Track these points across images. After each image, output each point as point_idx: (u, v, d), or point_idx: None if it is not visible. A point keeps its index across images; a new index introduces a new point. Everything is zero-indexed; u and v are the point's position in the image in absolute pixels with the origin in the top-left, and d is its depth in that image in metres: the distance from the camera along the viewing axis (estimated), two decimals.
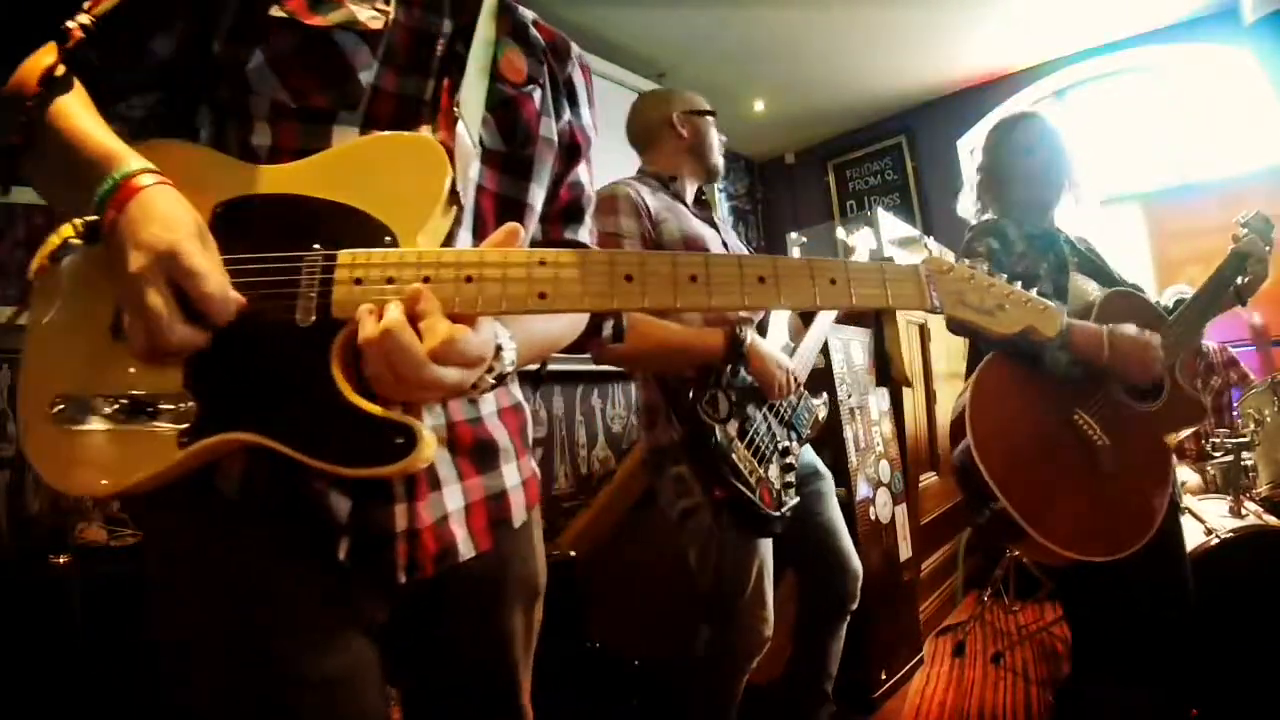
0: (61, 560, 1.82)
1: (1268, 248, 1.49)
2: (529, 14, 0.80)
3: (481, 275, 0.55)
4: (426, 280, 0.55)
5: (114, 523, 2.06)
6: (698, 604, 1.49)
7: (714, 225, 1.66)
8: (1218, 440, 2.35)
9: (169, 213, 0.55)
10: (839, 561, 1.71)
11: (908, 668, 2.32)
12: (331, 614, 0.63)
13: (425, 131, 0.66)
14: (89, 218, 0.56)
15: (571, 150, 0.82)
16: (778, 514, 1.45)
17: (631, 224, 1.49)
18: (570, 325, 0.81)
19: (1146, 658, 1.44)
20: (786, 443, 1.55)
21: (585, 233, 0.86)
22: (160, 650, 0.65)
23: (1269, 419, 2.23)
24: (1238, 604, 1.70)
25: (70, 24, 0.65)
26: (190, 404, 0.56)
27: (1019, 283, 0.69)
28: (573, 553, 2.03)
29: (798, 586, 1.77)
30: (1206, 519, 1.87)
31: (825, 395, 1.73)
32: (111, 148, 0.58)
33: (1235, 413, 2.71)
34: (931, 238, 3.56)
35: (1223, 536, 1.77)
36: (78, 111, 0.61)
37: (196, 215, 0.56)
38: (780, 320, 1.67)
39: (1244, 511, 1.90)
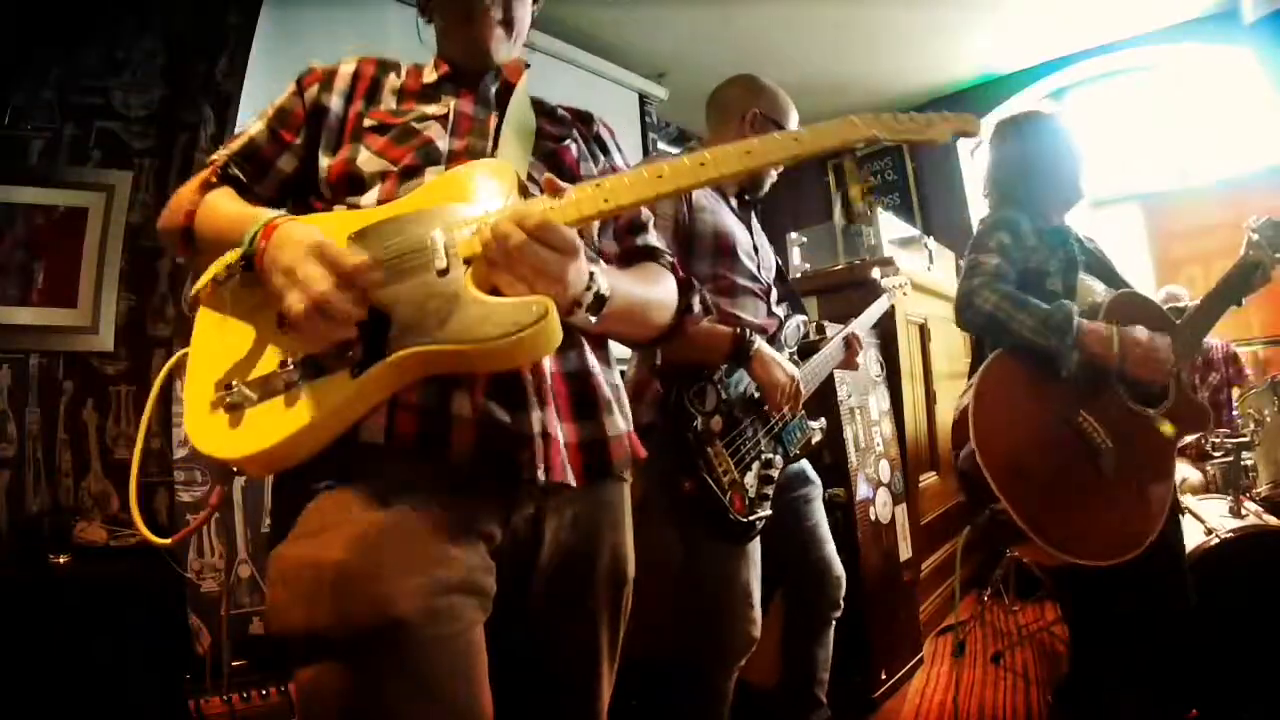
0: (61, 560, 1.82)
1: (1277, 254, 1.47)
2: (554, 104, 1.01)
3: (559, 204, 0.70)
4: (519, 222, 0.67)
5: (114, 523, 2.07)
6: (685, 602, 1.48)
7: (749, 227, 1.64)
8: (1218, 440, 2.35)
9: (306, 230, 0.70)
10: (822, 569, 1.69)
11: (908, 668, 2.32)
12: (448, 573, 0.68)
13: None
14: (245, 249, 0.71)
15: None
16: (746, 521, 1.40)
17: (667, 206, 1.46)
18: (662, 294, 0.92)
19: (1145, 658, 1.44)
20: (771, 455, 1.50)
21: (652, 238, 1.00)
22: (279, 601, 0.68)
23: (1269, 419, 2.23)
24: (1238, 604, 1.71)
25: (215, 156, 0.89)
26: (357, 347, 0.66)
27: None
28: None
29: (783, 594, 1.75)
30: (1206, 519, 1.88)
31: (823, 420, 1.67)
32: (253, 210, 0.78)
33: (1234, 411, 2.71)
34: (931, 238, 3.56)
35: (1223, 536, 1.77)
36: (224, 198, 0.84)
37: (322, 232, 0.70)
38: (791, 334, 1.65)
39: (1244, 511, 1.90)
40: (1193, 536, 1.81)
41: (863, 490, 2.21)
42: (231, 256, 0.72)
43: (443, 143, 0.85)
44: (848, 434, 2.18)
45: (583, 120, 1.02)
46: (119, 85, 2.32)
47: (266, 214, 0.74)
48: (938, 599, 2.89)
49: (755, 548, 1.50)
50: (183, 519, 2.19)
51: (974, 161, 4.56)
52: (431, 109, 0.88)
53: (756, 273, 1.60)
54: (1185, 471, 2.46)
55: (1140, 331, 1.40)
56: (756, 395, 1.50)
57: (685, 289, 0.96)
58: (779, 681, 1.75)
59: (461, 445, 0.72)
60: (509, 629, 0.75)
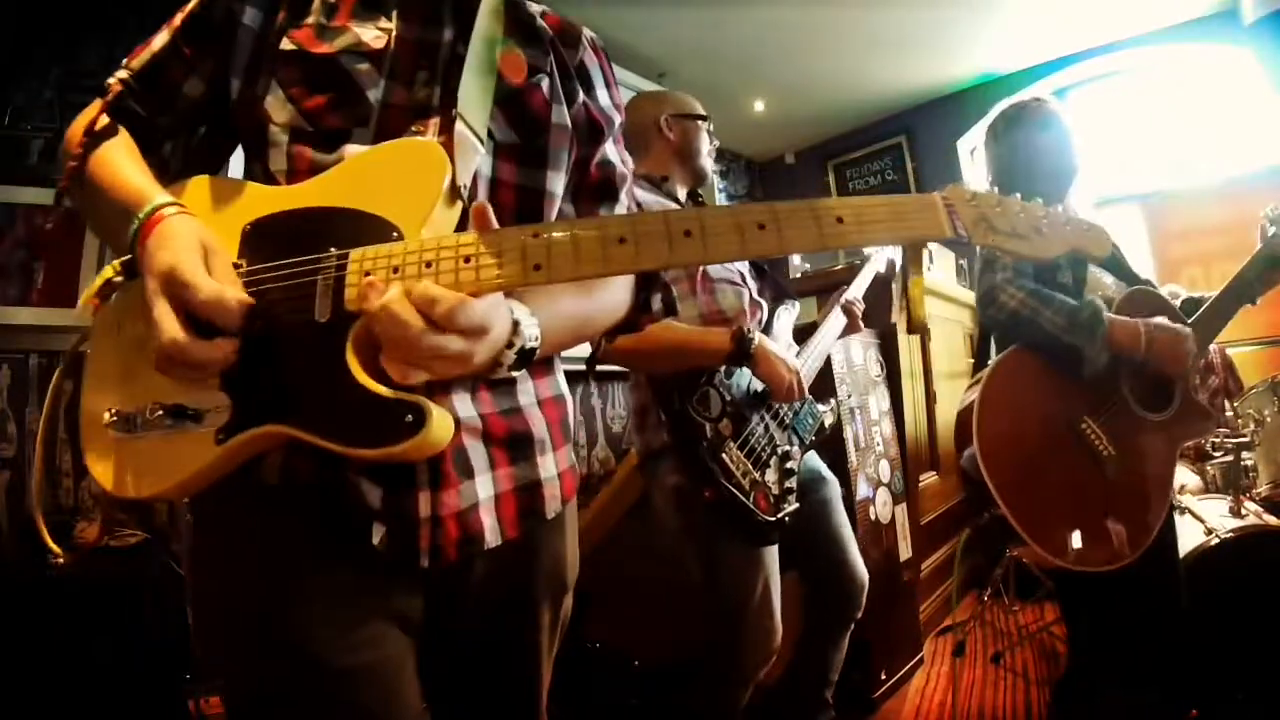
0: (61, 560, 1.82)
1: None
2: (536, 7, 0.82)
3: (478, 254, 0.57)
4: (429, 265, 0.57)
5: (114, 523, 2.06)
6: (700, 610, 1.47)
7: None
8: (1218, 440, 2.35)
9: (175, 235, 0.59)
10: (846, 573, 1.68)
11: (908, 668, 2.32)
12: (363, 603, 0.66)
13: (430, 135, 0.69)
14: (125, 257, 0.63)
15: (592, 132, 0.82)
16: (774, 519, 1.40)
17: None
18: (611, 304, 0.80)
19: (1141, 658, 1.44)
20: (787, 447, 1.50)
21: (620, 210, 0.85)
22: (195, 628, 0.69)
23: (1269, 419, 2.23)
24: (1238, 604, 1.70)
25: (111, 80, 0.73)
26: (225, 405, 0.61)
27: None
28: None
29: (803, 595, 1.75)
30: (1206, 519, 1.87)
31: (834, 401, 1.68)
32: (141, 188, 0.64)
33: (1230, 415, 2.71)
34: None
35: (1223, 536, 1.77)
36: (116, 157, 0.68)
37: (204, 235, 0.61)
38: (785, 323, 1.66)
39: (1244, 511, 1.90)
40: (1193, 536, 1.81)
41: (863, 490, 2.21)
42: (109, 271, 0.64)
43: (374, 92, 0.68)
44: (848, 434, 2.18)
45: (566, 41, 0.82)
46: None
47: (152, 199, 0.62)
48: (938, 599, 2.89)
49: (773, 556, 1.49)
50: (182, 519, 2.19)
51: (974, 161, 4.56)
52: (367, 32, 0.69)
53: (727, 265, 1.59)
54: (1185, 472, 2.46)
55: (1165, 322, 1.39)
56: (760, 390, 1.49)
57: (646, 283, 0.84)
58: (783, 679, 1.75)
59: (362, 506, 0.64)
60: (444, 638, 0.73)
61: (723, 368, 1.45)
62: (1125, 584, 1.35)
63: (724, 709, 1.49)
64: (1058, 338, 1.38)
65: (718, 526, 1.38)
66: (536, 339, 0.64)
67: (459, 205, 0.65)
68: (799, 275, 3.05)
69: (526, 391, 0.76)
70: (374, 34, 0.69)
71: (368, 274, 0.58)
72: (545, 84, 0.77)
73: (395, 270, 0.58)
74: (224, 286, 0.58)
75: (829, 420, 1.65)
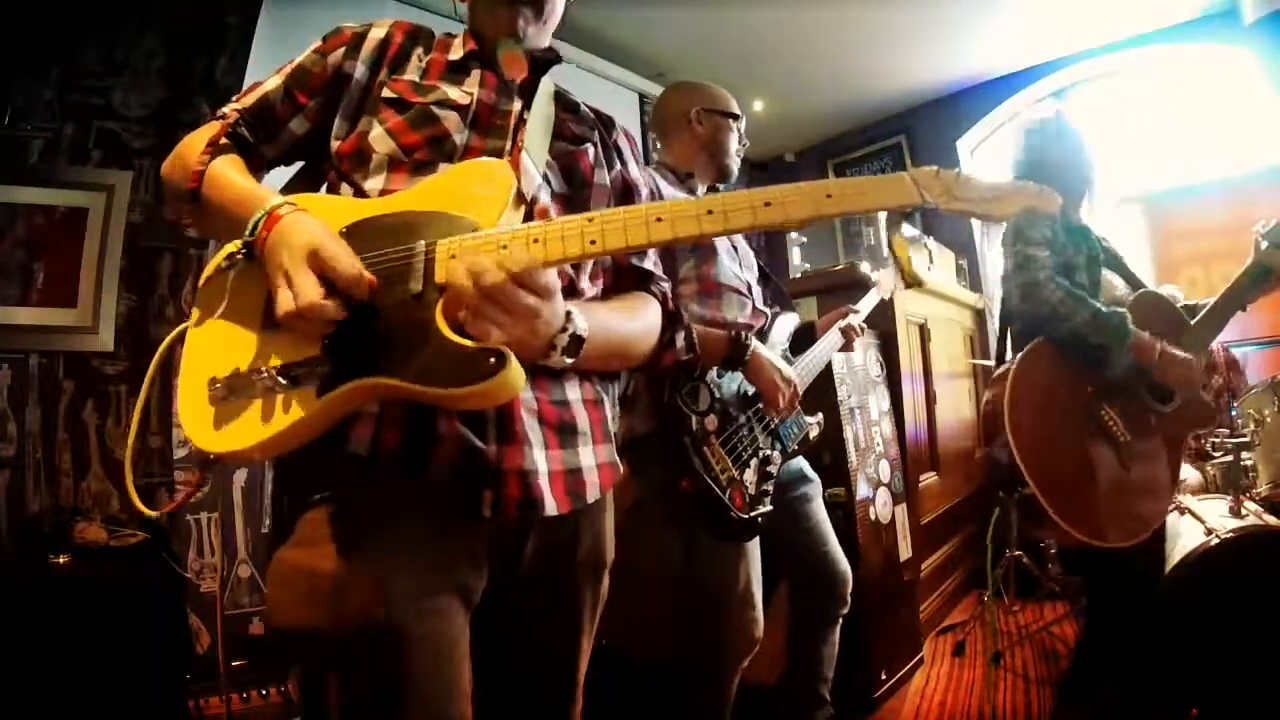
0: (61, 560, 1.82)
1: None
2: (578, 98, 1.00)
3: (545, 236, 0.69)
4: (504, 247, 0.68)
5: (114, 523, 2.06)
6: (687, 605, 1.47)
7: None
8: (1218, 440, 2.35)
9: (309, 226, 0.71)
10: (827, 567, 1.69)
11: (908, 668, 2.32)
12: (437, 575, 0.73)
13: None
14: (247, 237, 0.73)
15: (625, 195, 0.98)
16: (748, 517, 1.40)
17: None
18: (643, 328, 0.92)
19: (1139, 646, 1.50)
20: (769, 451, 1.50)
21: (650, 262, 0.99)
22: (273, 600, 0.74)
23: (1269, 419, 2.23)
24: (1238, 604, 1.70)
25: (226, 109, 0.87)
26: (326, 366, 0.68)
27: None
28: None
29: (789, 593, 1.76)
30: (1206, 519, 1.87)
31: (820, 415, 1.68)
32: (261, 191, 0.78)
33: (1234, 413, 2.71)
34: (931, 237, 3.56)
35: (1223, 536, 1.77)
36: (232, 169, 0.82)
37: (327, 225, 0.72)
38: (782, 330, 1.66)
39: (1244, 511, 1.89)
40: (1193, 536, 1.81)
41: (863, 490, 2.21)
42: (233, 246, 0.74)
43: (460, 136, 0.84)
44: (848, 434, 2.18)
45: (605, 124, 1.01)
46: (119, 85, 2.31)
47: (272, 199, 0.74)
48: (938, 599, 2.89)
49: (755, 548, 1.50)
50: (183, 518, 2.19)
51: (974, 161, 4.57)
52: (454, 92, 0.86)
53: (739, 270, 1.60)
54: (1185, 472, 2.45)
55: (1177, 351, 1.51)
56: (750, 392, 1.50)
57: (671, 322, 0.95)
58: (781, 680, 1.75)
59: (441, 464, 0.73)
60: (494, 612, 0.80)
61: (714, 368, 1.45)
62: (1129, 568, 1.50)
63: (712, 702, 1.49)
64: (1087, 337, 1.50)
65: (691, 516, 1.39)
66: (585, 330, 0.74)
67: (523, 209, 0.77)
68: (798, 275, 3.05)
69: (573, 388, 0.86)
70: (459, 94, 0.86)
71: (453, 255, 0.68)
72: (592, 151, 0.94)
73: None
74: (360, 265, 0.69)
75: (814, 433, 1.66)
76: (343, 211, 0.76)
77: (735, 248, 1.63)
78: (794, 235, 3.32)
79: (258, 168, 0.87)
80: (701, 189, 1.69)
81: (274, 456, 0.73)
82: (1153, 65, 4.00)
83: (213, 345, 0.75)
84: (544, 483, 0.78)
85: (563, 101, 0.96)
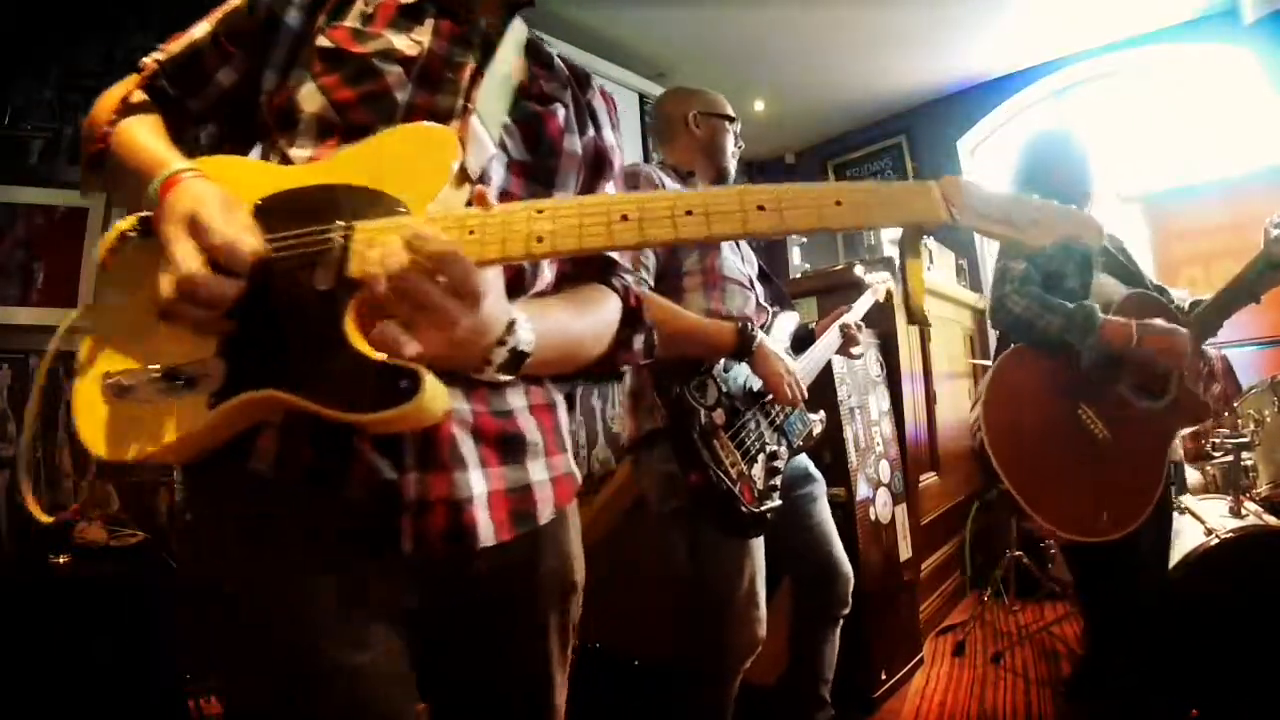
0: (61, 560, 1.82)
1: None
2: (553, 49, 0.87)
3: (484, 225, 0.57)
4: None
5: (114, 523, 2.06)
6: (691, 604, 1.47)
7: None
8: (1218, 440, 2.35)
9: (197, 191, 0.62)
10: (830, 567, 1.69)
11: (908, 668, 2.32)
12: (365, 600, 0.66)
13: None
14: (142, 213, 0.65)
15: (598, 165, 0.87)
16: (757, 512, 1.40)
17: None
18: (595, 329, 0.79)
19: (1140, 645, 1.52)
20: (775, 447, 1.51)
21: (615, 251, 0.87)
22: (194, 629, 0.70)
23: (1269, 419, 2.23)
24: (1238, 604, 1.70)
25: (146, 59, 0.77)
26: (221, 370, 0.61)
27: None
28: None
29: (791, 592, 1.76)
30: (1206, 519, 1.87)
31: (822, 413, 1.70)
32: (164, 154, 0.68)
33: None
34: (931, 238, 3.56)
35: (1223, 536, 1.77)
36: (143, 130, 0.72)
37: (222, 191, 0.63)
38: (784, 328, 1.66)
39: (1244, 511, 1.89)
40: (1193, 536, 1.81)
41: (863, 490, 2.21)
42: (127, 222, 0.66)
43: (402, 94, 0.72)
44: (848, 434, 2.18)
45: (579, 81, 0.88)
46: None
47: (174, 164, 0.65)
48: (938, 599, 2.89)
49: (759, 546, 1.50)
50: (183, 517, 2.19)
51: (974, 160, 4.57)
52: (401, 41, 0.73)
53: (740, 265, 1.62)
54: (1186, 469, 2.45)
55: (1159, 321, 1.53)
56: (755, 387, 1.51)
57: (630, 320, 0.82)
58: (781, 679, 1.76)
59: (358, 481, 0.64)
60: (448, 638, 0.73)
61: (721, 361, 1.46)
62: (1121, 556, 1.51)
63: (713, 702, 1.49)
64: (1057, 336, 1.55)
65: (699, 512, 1.38)
66: (530, 344, 0.62)
67: (467, 189, 0.66)
68: (799, 275, 3.05)
69: (519, 395, 0.76)
70: (407, 43, 0.74)
71: (371, 244, 0.59)
72: (562, 113, 0.81)
73: None
74: (241, 232, 0.60)
75: (817, 429, 1.67)
76: (261, 180, 0.67)
77: (737, 243, 1.64)
78: (793, 235, 3.32)
79: (184, 126, 0.77)
80: (702, 188, 1.69)
81: (165, 463, 0.66)
82: (1153, 65, 4.00)
83: (113, 337, 0.67)
84: (478, 509, 0.68)
85: (534, 53, 0.83)
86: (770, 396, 1.51)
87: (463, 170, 0.66)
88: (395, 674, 0.67)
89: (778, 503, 1.47)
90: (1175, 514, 1.79)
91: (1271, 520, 1.87)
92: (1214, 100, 3.87)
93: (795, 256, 3.93)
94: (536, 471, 0.76)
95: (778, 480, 1.48)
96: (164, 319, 0.60)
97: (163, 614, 1.86)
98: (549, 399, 0.81)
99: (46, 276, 2.23)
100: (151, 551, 1.96)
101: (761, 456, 1.47)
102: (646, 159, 3.32)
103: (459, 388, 0.70)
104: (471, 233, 0.57)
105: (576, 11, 3.24)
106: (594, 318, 0.78)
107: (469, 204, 0.64)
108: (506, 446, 0.73)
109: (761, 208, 0.56)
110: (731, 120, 1.74)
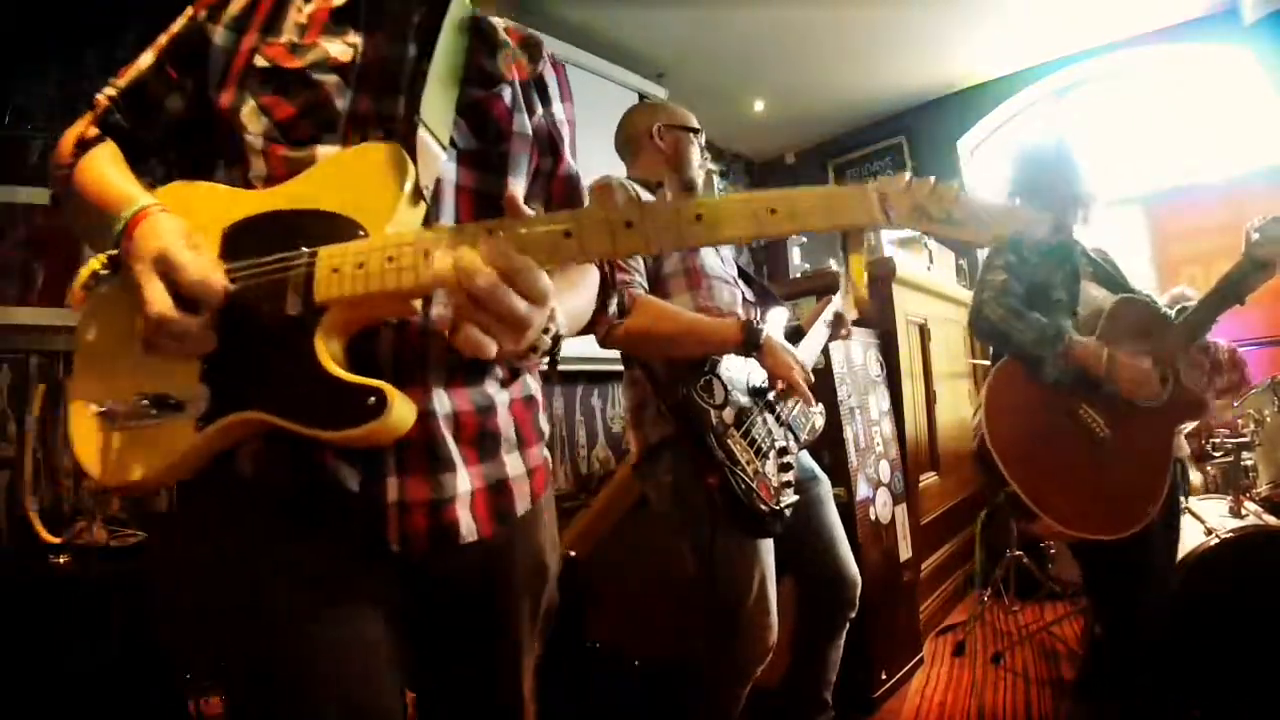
0: (61, 560, 1.82)
1: None
2: (499, 21, 0.84)
3: (437, 248, 0.59)
4: (391, 260, 0.60)
5: (114, 523, 2.06)
6: (698, 607, 1.46)
7: None
8: (1218, 440, 2.35)
9: (162, 227, 0.64)
10: (838, 570, 1.68)
11: (908, 668, 2.32)
12: (339, 583, 0.68)
13: (393, 141, 0.71)
14: (111, 251, 0.67)
15: (551, 144, 0.87)
16: (776, 509, 1.39)
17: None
18: (589, 300, 0.84)
19: (1145, 644, 1.54)
20: (784, 442, 1.50)
21: None
22: (175, 620, 0.72)
23: (1269, 419, 2.23)
24: (1238, 604, 1.71)
25: (99, 96, 0.78)
26: (205, 395, 0.64)
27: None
28: (573, 553, 2.03)
29: (796, 594, 1.75)
30: (1206, 519, 1.88)
31: (822, 406, 1.69)
32: (127, 190, 0.69)
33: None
34: (930, 237, 3.56)
35: (1223, 536, 1.77)
36: (102, 164, 0.73)
37: (187, 226, 0.65)
38: (777, 323, 1.66)
39: (1244, 511, 1.90)
40: (1193, 536, 1.81)
41: (863, 490, 2.21)
42: (96, 263, 0.69)
43: (341, 101, 0.71)
44: (848, 434, 2.18)
45: (528, 53, 0.85)
46: None
47: (139, 200, 0.67)
48: (938, 599, 2.89)
49: (769, 552, 1.49)
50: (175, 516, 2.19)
51: (974, 160, 4.57)
52: (335, 47, 0.72)
53: (719, 263, 1.63)
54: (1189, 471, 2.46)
55: (1129, 357, 1.55)
56: (757, 383, 1.50)
57: (607, 286, 0.88)
58: (784, 680, 1.75)
59: (339, 490, 0.67)
60: (430, 634, 0.75)
61: (723, 359, 1.45)
62: (1128, 557, 1.51)
63: (722, 707, 1.49)
64: (1026, 349, 1.59)
65: (716, 521, 1.37)
66: (564, 326, 0.67)
67: (422, 206, 0.68)
68: (798, 275, 3.05)
69: (499, 390, 0.78)
70: (340, 48, 0.73)
71: (336, 270, 0.62)
72: (507, 93, 0.80)
73: (360, 265, 0.61)
74: (210, 269, 0.63)
75: (819, 423, 1.67)
76: (224, 206, 0.69)
77: (717, 250, 1.65)
78: (793, 236, 3.32)
79: (143, 156, 0.77)
80: (676, 189, 1.70)
81: (156, 489, 0.70)
82: (1153, 65, 4.00)
83: (99, 368, 0.70)
84: (461, 508, 0.71)
85: (476, 30, 0.80)
86: (775, 392, 1.51)
87: (416, 189, 0.67)
88: (378, 655, 0.69)
89: (795, 498, 1.46)
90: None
91: (1271, 520, 1.87)
92: (1214, 100, 3.88)
93: (795, 256, 3.93)
94: (514, 465, 0.78)
95: (791, 476, 1.47)
96: (147, 351, 0.63)
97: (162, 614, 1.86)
98: (526, 391, 0.83)
99: (46, 276, 2.23)
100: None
101: (773, 453, 1.46)
102: None
103: (440, 387, 0.72)
104: (426, 255, 0.59)
105: (577, 11, 3.24)
106: (588, 291, 0.83)
107: (425, 224, 0.68)
108: (484, 443, 0.75)
109: (699, 217, 0.57)
110: (696, 132, 1.75)
